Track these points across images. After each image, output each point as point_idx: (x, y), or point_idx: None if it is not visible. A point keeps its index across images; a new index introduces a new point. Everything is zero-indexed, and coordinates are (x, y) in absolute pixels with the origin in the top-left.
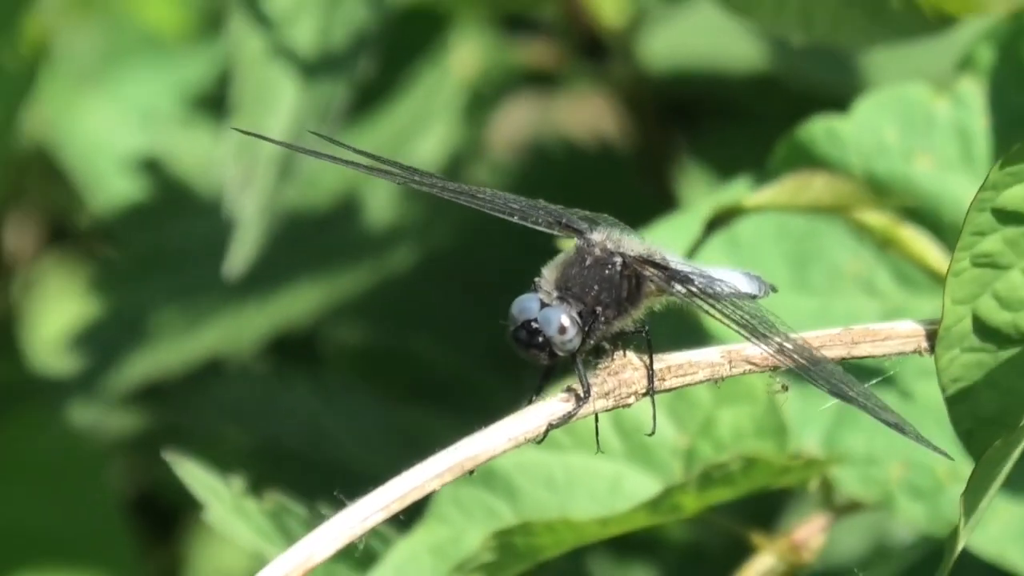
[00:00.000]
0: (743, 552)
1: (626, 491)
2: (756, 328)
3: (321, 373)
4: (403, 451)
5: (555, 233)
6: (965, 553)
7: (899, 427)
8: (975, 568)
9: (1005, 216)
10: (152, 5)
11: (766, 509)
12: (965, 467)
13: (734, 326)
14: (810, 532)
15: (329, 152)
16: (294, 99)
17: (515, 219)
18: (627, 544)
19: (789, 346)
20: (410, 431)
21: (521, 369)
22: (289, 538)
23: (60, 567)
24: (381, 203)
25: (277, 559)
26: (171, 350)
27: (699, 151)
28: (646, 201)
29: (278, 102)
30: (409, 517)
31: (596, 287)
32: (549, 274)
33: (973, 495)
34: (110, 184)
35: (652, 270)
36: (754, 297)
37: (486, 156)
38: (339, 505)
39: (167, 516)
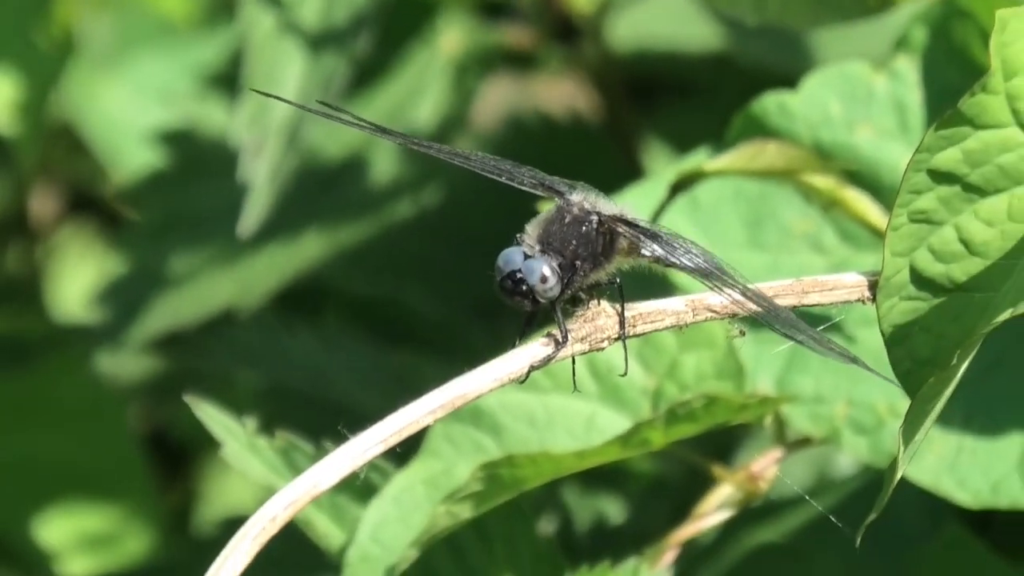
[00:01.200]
0: (704, 483)
1: (600, 427)
2: (719, 278)
3: (323, 322)
4: (396, 391)
5: (538, 193)
6: (903, 483)
7: (852, 359)
8: (912, 496)
9: (939, 176)
10: None
11: (725, 444)
12: (903, 404)
13: (699, 276)
14: (765, 464)
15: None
16: (300, 75)
17: (503, 179)
18: (597, 476)
19: (750, 292)
20: (402, 374)
21: (501, 318)
22: (297, 472)
23: (85, 500)
24: (378, 168)
25: (287, 487)
26: (188, 302)
27: (660, 124)
28: (614, 169)
29: (286, 78)
30: (405, 452)
31: (574, 242)
32: (532, 230)
33: (910, 428)
34: (130, 157)
35: (624, 227)
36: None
37: (470, 128)
38: (342, 439)
39: (181, 453)
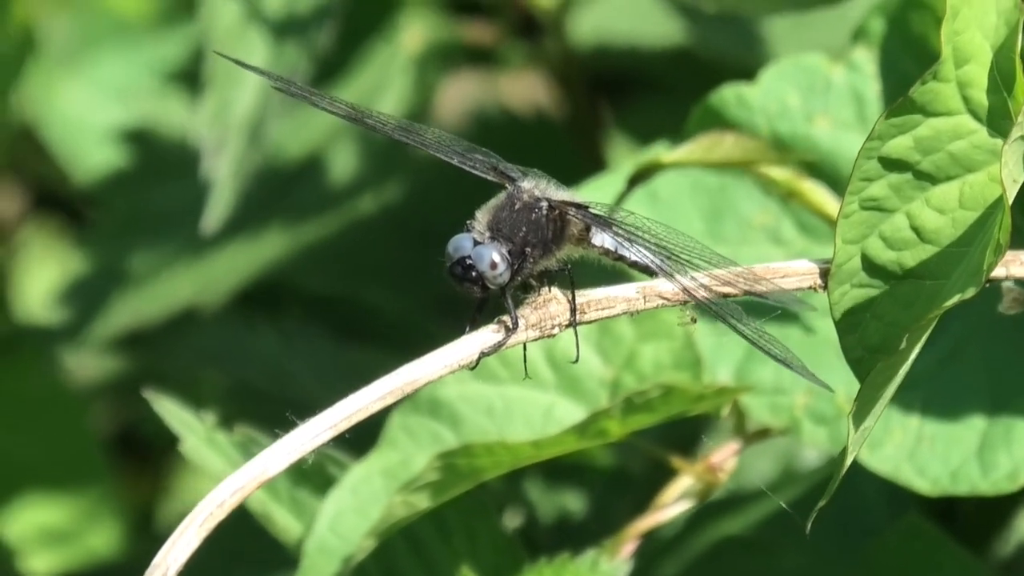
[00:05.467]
0: (665, 475)
1: (558, 418)
2: (667, 272)
3: (284, 320)
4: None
5: (489, 178)
6: (866, 473)
7: (785, 362)
8: (875, 487)
9: (890, 164)
10: None
11: (687, 436)
12: None
13: (649, 257)
14: (725, 456)
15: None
16: (263, 68)
17: (455, 161)
18: (559, 470)
19: (698, 283)
20: (363, 370)
21: (462, 313)
22: None
23: (48, 496)
24: (338, 166)
25: (236, 472)
26: (150, 301)
27: (622, 118)
28: (578, 164)
29: (246, 76)
30: (363, 445)
31: (524, 229)
32: (482, 216)
33: (860, 414)
34: (91, 156)
35: (574, 210)
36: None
37: (433, 124)
38: (293, 427)
39: (149, 452)
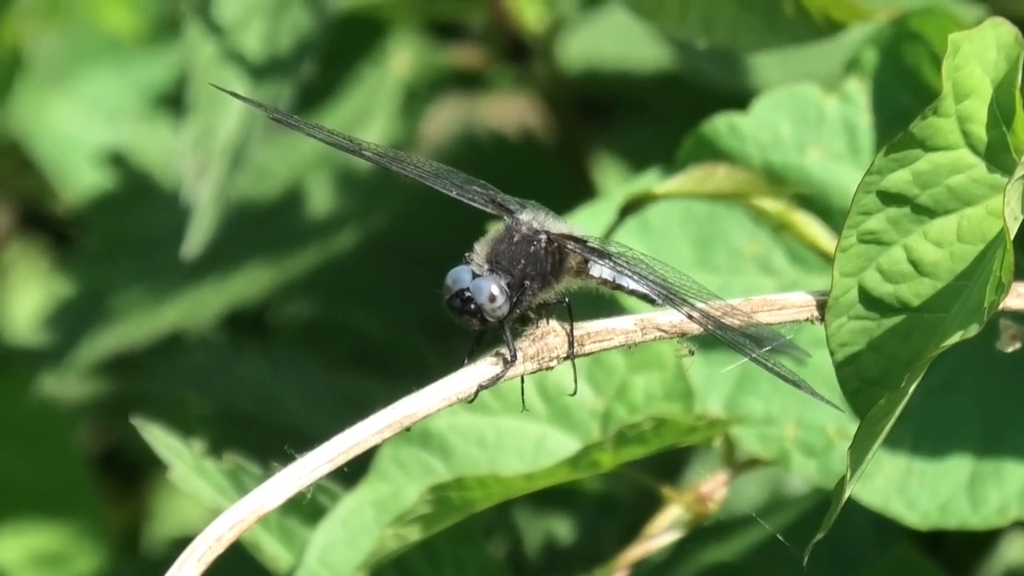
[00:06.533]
0: (654, 504)
1: (550, 449)
2: (668, 299)
3: (271, 344)
4: (345, 414)
5: (488, 210)
6: (855, 503)
7: (796, 382)
8: (864, 517)
9: (888, 198)
10: (110, 11)
11: (675, 463)
12: (852, 426)
13: (646, 300)
14: (714, 485)
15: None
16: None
17: (454, 194)
18: (547, 497)
19: (697, 313)
20: (351, 396)
21: (451, 338)
22: (244, 494)
23: (34, 519)
24: (325, 192)
25: (233, 506)
26: (136, 325)
27: (612, 143)
28: (566, 188)
29: (230, 101)
30: (354, 475)
31: (523, 261)
32: (480, 249)
33: (858, 449)
34: (79, 176)
35: (573, 244)
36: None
37: (421, 148)
38: (289, 459)
39: (134, 473)
